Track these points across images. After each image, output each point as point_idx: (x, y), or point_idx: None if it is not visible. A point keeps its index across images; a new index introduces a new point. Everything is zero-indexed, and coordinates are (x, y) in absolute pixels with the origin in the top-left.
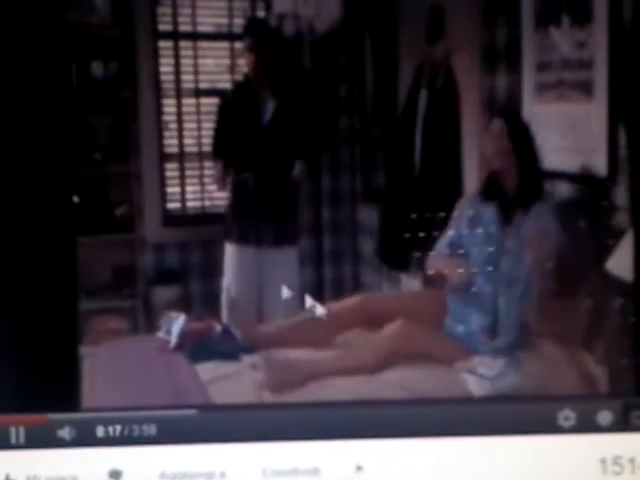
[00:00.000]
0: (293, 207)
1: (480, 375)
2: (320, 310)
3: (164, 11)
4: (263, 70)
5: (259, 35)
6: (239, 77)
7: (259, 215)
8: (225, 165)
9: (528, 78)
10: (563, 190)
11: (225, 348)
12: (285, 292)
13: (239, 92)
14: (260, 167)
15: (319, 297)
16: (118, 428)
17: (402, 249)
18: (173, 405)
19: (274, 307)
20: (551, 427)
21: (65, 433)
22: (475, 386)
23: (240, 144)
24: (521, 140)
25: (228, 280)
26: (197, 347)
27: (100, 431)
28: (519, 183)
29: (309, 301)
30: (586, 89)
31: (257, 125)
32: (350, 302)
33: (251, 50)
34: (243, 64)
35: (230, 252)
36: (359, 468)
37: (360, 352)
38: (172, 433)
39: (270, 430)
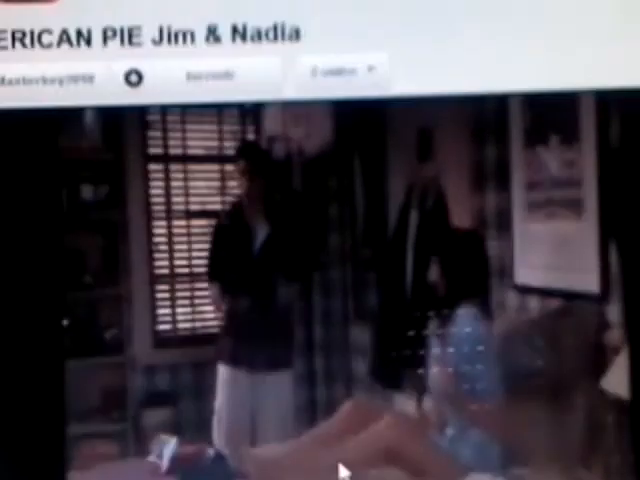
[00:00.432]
0: (286, 330)
1: None
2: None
3: (154, 135)
4: (256, 193)
5: (252, 158)
6: (230, 199)
7: (253, 338)
8: (221, 288)
9: (518, 196)
10: (553, 306)
11: (218, 474)
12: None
13: (232, 216)
14: (252, 291)
15: (313, 418)
16: None
17: (395, 368)
18: None
19: (268, 431)
20: None
21: None
22: None
23: (233, 268)
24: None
25: (220, 402)
26: (189, 472)
27: None
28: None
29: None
30: (576, 207)
31: (248, 251)
32: (342, 410)
33: (244, 173)
34: (235, 187)
35: (223, 374)
36: None
37: (349, 449)
38: None
39: None
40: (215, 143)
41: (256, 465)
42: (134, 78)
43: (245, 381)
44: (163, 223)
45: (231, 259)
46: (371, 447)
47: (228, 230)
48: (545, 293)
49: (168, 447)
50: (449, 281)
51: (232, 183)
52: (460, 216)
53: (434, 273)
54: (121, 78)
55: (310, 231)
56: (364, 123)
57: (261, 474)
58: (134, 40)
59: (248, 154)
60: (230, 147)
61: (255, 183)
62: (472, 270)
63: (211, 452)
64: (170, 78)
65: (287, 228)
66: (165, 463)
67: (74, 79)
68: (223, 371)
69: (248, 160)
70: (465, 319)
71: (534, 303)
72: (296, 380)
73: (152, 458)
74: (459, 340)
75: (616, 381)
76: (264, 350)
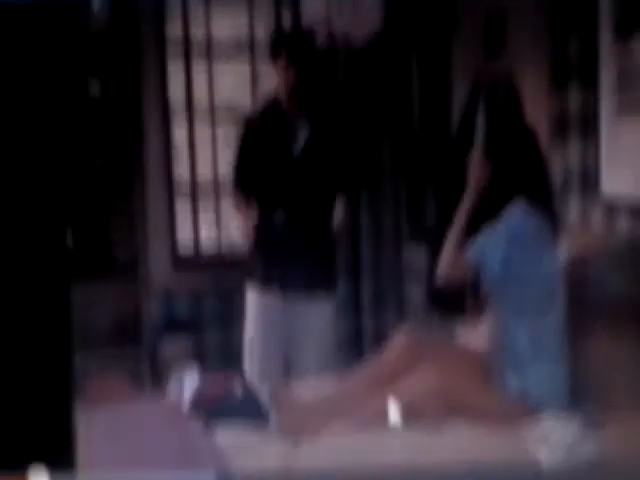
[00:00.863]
0: (328, 249)
1: (552, 444)
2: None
3: (174, 20)
4: (296, 89)
5: (295, 48)
6: (264, 97)
7: (288, 258)
8: (251, 199)
9: (606, 97)
10: None
11: (247, 412)
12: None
13: (267, 113)
14: (290, 201)
15: (357, 351)
16: None
17: (456, 294)
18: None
19: (305, 364)
20: None
21: None
22: (546, 457)
23: (268, 176)
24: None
25: (251, 333)
26: (214, 409)
27: None
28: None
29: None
30: None
31: (287, 153)
32: (392, 344)
33: (284, 65)
34: (270, 82)
35: (253, 300)
36: None
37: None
38: None
39: None
40: (245, 31)
41: (294, 410)
42: None
43: (279, 307)
44: (183, 124)
45: (265, 164)
46: (422, 392)
47: (261, 130)
48: (636, 209)
49: (189, 381)
50: (501, 178)
51: (265, 79)
52: (535, 118)
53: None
54: None
55: (357, 136)
56: (423, 5)
57: (299, 420)
58: None
59: (290, 43)
60: (263, 36)
61: (296, 77)
62: (524, 166)
63: (239, 388)
64: None
65: (331, 130)
66: (186, 399)
67: None
68: (253, 297)
69: (290, 50)
70: (514, 213)
71: (623, 220)
72: (339, 307)
73: (172, 393)
74: (506, 235)
75: None
76: (301, 272)
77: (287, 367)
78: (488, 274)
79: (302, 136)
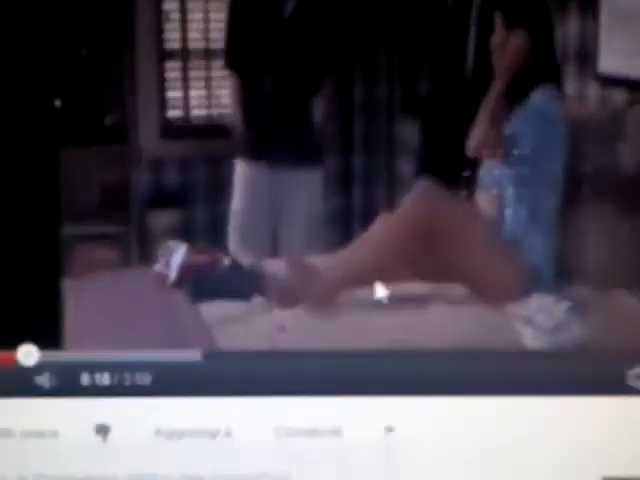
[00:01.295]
0: (318, 120)
1: (537, 324)
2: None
3: None
4: None
5: None
6: None
7: (276, 127)
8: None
9: None
10: None
11: (233, 286)
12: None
13: None
14: (281, 69)
15: (346, 227)
16: (106, 376)
17: (449, 168)
18: (172, 349)
19: (292, 239)
20: (620, 387)
21: (44, 380)
22: (531, 338)
23: (256, 38)
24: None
25: (237, 204)
26: (201, 283)
27: (85, 379)
28: None
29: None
30: None
31: (279, 14)
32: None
33: None
34: None
35: (240, 171)
36: (389, 429)
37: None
38: (170, 383)
39: (285, 382)
40: None
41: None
42: None
43: (266, 179)
44: None
45: (253, 25)
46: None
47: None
48: (635, 85)
49: (177, 254)
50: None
51: None
52: None
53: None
54: None
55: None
56: None
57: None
58: None
59: None
60: None
61: None
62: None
63: (226, 261)
64: None
65: None
66: (173, 273)
67: None
68: (240, 169)
69: None
70: (542, 98)
71: (620, 96)
72: (328, 181)
73: (158, 267)
74: (533, 120)
75: None
76: (289, 142)
77: (275, 241)
78: (518, 154)
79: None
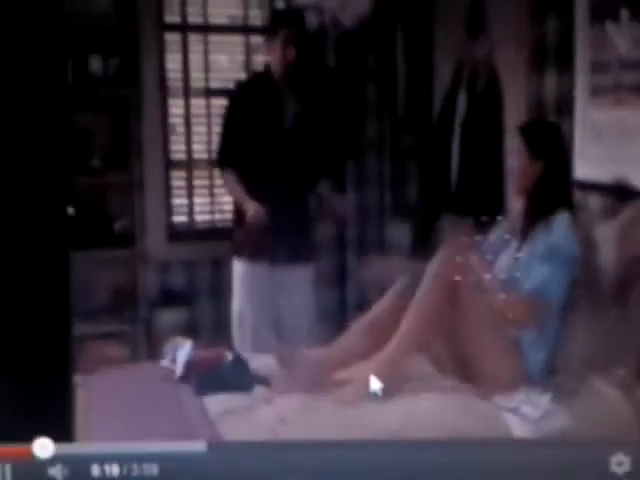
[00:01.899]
0: (310, 220)
1: (524, 415)
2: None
3: (171, 0)
4: (291, 67)
5: (293, 27)
6: (253, 72)
7: (277, 233)
8: (238, 173)
9: (581, 79)
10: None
11: (236, 379)
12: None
13: (256, 85)
14: (277, 174)
15: (342, 320)
16: (116, 467)
17: None
18: (178, 440)
19: (294, 330)
20: (603, 474)
21: (57, 472)
22: (517, 427)
23: (257, 148)
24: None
25: (240, 304)
26: (205, 378)
27: (95, 470)
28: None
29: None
30: None
31: (279, 128)
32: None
33: (284, 43)
34: (265, 57)
35: (239, 270)
36: None
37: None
38: (176, 473)
39: (286, 472)
40: (240, 11)
41: (306, 366)
42: None
43: (267, 277)
44: (180, 102)
45: (254, 135)
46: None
47: (250, 102)
48: (608, 189)
49: (182, 350)
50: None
51: (258, 57)
52: (514, 100)
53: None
54: None
55: (344, 114)
56: None
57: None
58: None
59: (288, 22)
60: (256, 16)
61: (292, 55)
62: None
63: (229, 356)
64: None
65: (319, 108)
66: (179, 368)
67: None
68: (240, 268)
69: (289, 28)
70: (562, 226)
71: (595, 200)
72: (324, 279)
73: (165, 362)
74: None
75: None
76: (288, 244)
77: (277, 334)
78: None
79: (291, 110)
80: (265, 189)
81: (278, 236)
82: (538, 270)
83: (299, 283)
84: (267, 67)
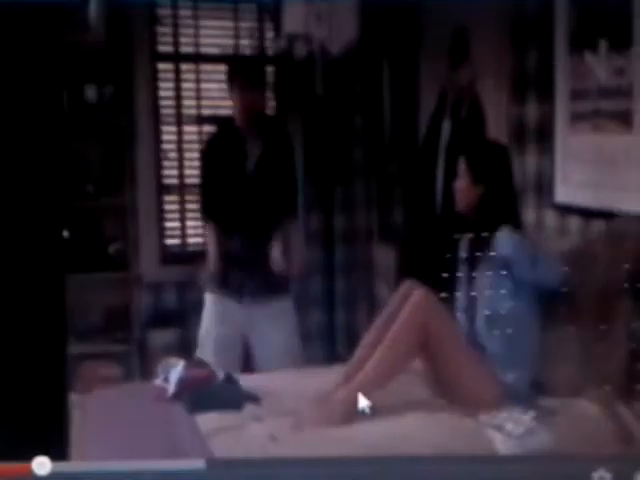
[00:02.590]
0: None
1: (507, 432)
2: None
3: (164, 31)
4: (249, 113)
5: (247, 73)
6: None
7: (246, 272)
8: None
9: (561, 107)
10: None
11: (228, 397)
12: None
13: (221, 137)
14: (248, 219)
15: (331, 347)
16: None
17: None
18: (171, 458)
19: (269, 361)
20: None
21: None
22: (501, 444)
23: (225, 194)
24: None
25: (206, 328)
26: (197, 396)
27: None
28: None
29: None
30: (625, 119)
31: (242, 171)
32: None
33: (241, 89)
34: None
35: (210, 302)
36: None
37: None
38: None
39: None
40: (231, 41)
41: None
42: None
43: (236, 309)
44: (172, 129)
45: (222, 182)
46: (407, 323)
47: (219, 151)
48: (587, 213)
49: (175, 370)
50: (483, 204)
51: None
52: (497, 127)
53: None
54: None
55: (332, 140)
56: (393, 21)
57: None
58: None
59: (244, 70)
60: (246, 45)
61: (249, 101)
62: (504, 190)
63: (221, 375)
64: None
65: (282, 146)
66: (172, 387)
67: None
68: (211, 299)
69: (244, 76)
70: (505, 242)
71: (575, 224)
72: (312, 303)
73: (158, 382)
74: (497, 263)
75: None
76: (258, 281)
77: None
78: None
79: (254, 154)
80: (234, 233)
81: (246, 276)
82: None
83: (273, 317)
84: (232, 113)
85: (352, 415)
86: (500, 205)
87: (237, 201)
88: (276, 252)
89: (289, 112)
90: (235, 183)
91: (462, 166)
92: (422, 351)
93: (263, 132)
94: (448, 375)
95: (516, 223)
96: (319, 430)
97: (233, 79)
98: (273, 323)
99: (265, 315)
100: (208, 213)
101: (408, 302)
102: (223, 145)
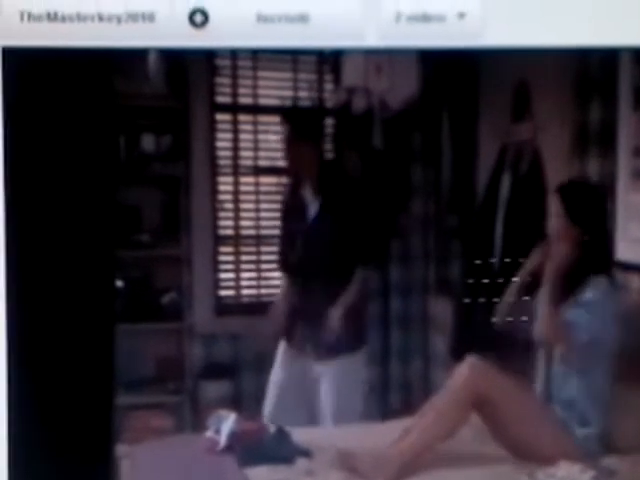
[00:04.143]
0: (355, 312)
1: None
2: None
3: (223, 81)
4: (303, 162)
5: (299, 121)
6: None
7: (314, 325)
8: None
9: (624, 163)
10: None
11: (279, 451)
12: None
13: (288, 192)
14: (310, 270)
15: (385, 400)
16: None
17: (480, 349)
18: None
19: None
20: None
21: None
22: None
23: (288, 245)
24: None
25: (276, 378)
26: (248, 449)
27: None
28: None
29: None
30: None
31: (303, 223)
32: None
33: (289, 140)
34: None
35: (281, 352)
36: None
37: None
38: None
39: None
40: (289, 93)
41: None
42: (199, 18)
43: (303, 363)
44: (229, 179)
45: (288, 238)
46: (457, 393)
47: (286, 209)
48: None
49: (226, 422)
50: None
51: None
52: (558, 181)
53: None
54: (185, 17)
55: (389, 193)
56: (453, 75)
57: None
58: None
59: (292, 117)
60: (306, 98)
61: (303, 150)
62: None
63: (272, 428)
64: (238, 19)
65: (339, 203)
66: (223, 439)
67: (133, 17)
68: (282, 349)
69: (294, 124)
70: (598, 294)
71: (636, 281)
72: (368, 359)
73: (209, 434)
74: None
75: None
76: (326, 336)
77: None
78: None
79: (313, 208)
80: (299, 285)
81: (315, 330)
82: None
83: (341, 376)
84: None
85: (408, 471)
86: (599, 251)
87: (302, 252)
88: (336, 312)
89: (347, 165)
90: (297, 234)
91: (556, 204)
92: (479, 413)
93: (320, 182)
94: (509, 432)
95: (610, 273)
96: None
97: (283, 129)
98: (337, 380)
99: (329, 371)
100: (281, 264)
101: (455, 372)
102: (288, 196)
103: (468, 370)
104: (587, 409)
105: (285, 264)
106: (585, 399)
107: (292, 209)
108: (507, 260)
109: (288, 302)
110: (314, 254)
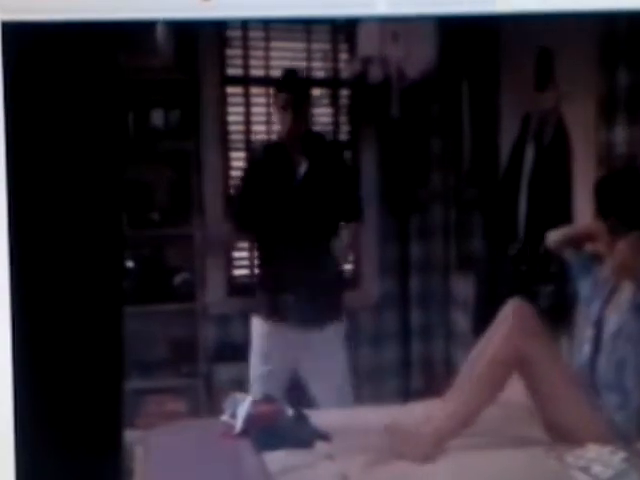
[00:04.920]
0: (334, 281)
1: (594, 475)
2: None
3: (234, 53)
4: (298, 130)
5: (295, 89)
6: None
7: (294, 292)
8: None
9: None
10: None
11: (297, 435)
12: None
13: (269, 151)
14: (294, 233)
15: (406, 377)
16: None
17: None
18: None
19: (322, 393)
20: None
21: None
22: None
23: (271, 206)
24: None
25: (256, 360)
26: (265, 433)
27: None
28: None
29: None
30: None
31: (289, 186)
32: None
33: (285, 107)
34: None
35: (259, 330)
36: None
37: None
38: None
39: None
40: (302, 64)
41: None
42: None
43: (285, 337)
44: (241, 155)
45: (267, 194)
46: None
47: (265, 163)
48: None
49: (242, 406)
50: None
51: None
52: (584, 151)
53: None
54: None
55: (408, 165)
56: (473, 43)
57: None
58: None
59: (289, 85)
60: (320, 68)
61: (298, 118)
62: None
63: (289, 411)
64: None
65: (328, 166)
66: (239, 423)
67: None
68: (259, 326)
69: (291, 92)
70: None
71: None
72: (389, 332)
73: (225, 417)
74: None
75: None
76: (307, 303)
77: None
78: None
79: (301, 171)
80: (280, 249)
81: (295, 297)
82: None
83: (325, 345)
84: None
85: (440, 449)
86: None
87: (283, 214)
88: (340, 243)
89: (363, 137)
90: (282, 194)
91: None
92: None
93: (308, 150)
94: (547, 404)
95: None
96: (399, 465)
97: (275, 96)
98: (323, 352)
99: (315, 342)
100: (247, 225)
101: (502, 314)
102: (269, 159)
103: (513, 308)
104: (632, 390)
105: (259, 224)
106: (633, 377)
107: (277, 172)
108: (532, 232)
109: (272, 271)
110: (297, 216)
